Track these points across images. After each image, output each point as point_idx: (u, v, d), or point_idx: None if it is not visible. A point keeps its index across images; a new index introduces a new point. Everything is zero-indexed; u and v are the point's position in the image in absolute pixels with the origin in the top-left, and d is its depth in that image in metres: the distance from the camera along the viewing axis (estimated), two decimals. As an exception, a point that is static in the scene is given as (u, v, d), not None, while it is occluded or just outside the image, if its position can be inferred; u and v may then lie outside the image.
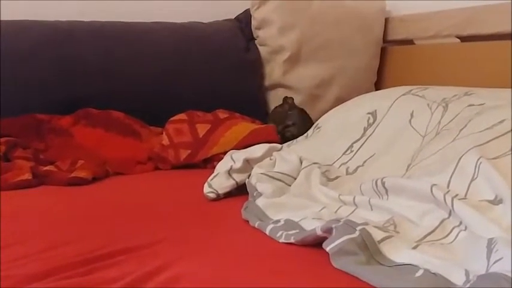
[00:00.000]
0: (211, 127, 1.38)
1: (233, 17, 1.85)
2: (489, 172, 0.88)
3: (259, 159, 1.10)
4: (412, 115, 1.24)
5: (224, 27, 1.77)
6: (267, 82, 1.76)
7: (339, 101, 1.76)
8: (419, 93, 1.32)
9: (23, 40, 1.51)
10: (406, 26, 1.85)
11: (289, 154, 1.10)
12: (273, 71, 1.75)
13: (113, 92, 1.54)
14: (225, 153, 1.34)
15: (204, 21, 1.80)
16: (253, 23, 1.76)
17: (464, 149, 0.95)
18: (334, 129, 1.34)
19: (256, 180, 1.00)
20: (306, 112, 1.63)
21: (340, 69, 1.78)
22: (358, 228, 0.72)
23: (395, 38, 1.89)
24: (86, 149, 1.31)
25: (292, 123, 1.57)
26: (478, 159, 0.90)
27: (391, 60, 1.91)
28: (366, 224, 0.74)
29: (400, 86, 1.82)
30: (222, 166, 1.10)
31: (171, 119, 1.44)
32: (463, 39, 1.68)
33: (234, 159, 1.11)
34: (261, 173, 1.02)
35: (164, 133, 1.41)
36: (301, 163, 1.08)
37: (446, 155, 0.99)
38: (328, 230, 0.74)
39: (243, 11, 1.83)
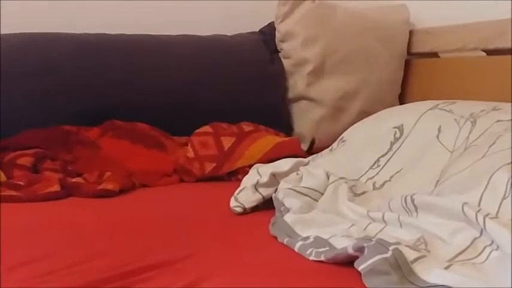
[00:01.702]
0: (236, 140, 1.39)
1: (257, 30, 1.86)
2: (521, 191, 0.87)
3: (286, 174, 1.10)
4: (439, 130, 1.23)
5: (248, 40, 1.78)
6: (291, 94, 1.76)
7: (363, 113, 1.76)
8: (447, 108, 1.31)
9: (50, 52, 1.53)
10: (431, 39, 1.85)
11: (316, 169, 1.10)
12: (297, 84, 1.75)
13: (137, 104, 1.56)
14: (249, 166, 1.36)
15: (229, 34, 1.81)
16: (277, 35, 1.76)
17: (494, 166, 0.94)
18: (359, 143, 1.33)
19: (283, 195, 1.00)
20: None
21: (364, 82, 1.77)
22: (391, 247, 0.72)
23: (419, 50, 1.89)
24: (112, 161, 1.33)
25: None
26: (509, 178, 0.89)
27: (415, 73, 1.91)
28: (399, 243, 0.74)
29: (424, 99, 1.83)
30: (248, 180, 1.10)
31: (196, 131, 1.45)
32: (489, 52, 1.67)
33: (261, 173, 1.11)
34: (288, 188, 1.02)
35: (189, 145, 1.42)
36: (328, 178, 1.08)
37: (476, 172, 0.98)
38: (360, 249, 0.74)
39: (267, 23, 1.84)
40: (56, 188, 1.19)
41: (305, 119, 1.74)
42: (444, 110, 1.31)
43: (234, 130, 1.43)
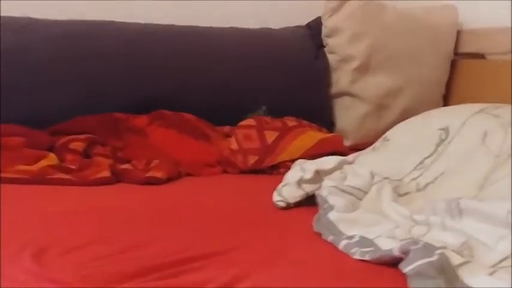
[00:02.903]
0: (279, 134, 1.41)
1: (304, 24, 1.86)
2: None
3: (330, 172, 1.12)
4: (485, 134, 1.23)
5: (295, 34, 1.79)
6: (334, 90, 1.77)
7: (406, 112, 1.76)
8: (493, 112, 1.30)
9: (101, 40, 1.57)
10: (478, 40, 1.83)
11: (360, 168, 1.12)
12: (340, 79, 1.76)
13: (184, 94, 1.59)
14: (292, 161, 1.38)
15: (275, 27, 1.83)
16: (324, 30, 1.77)
17: (541, 175, 0.94)
18: (404, 143, 1.33)
19: (328, 193, 1.02)
20: None
21: (409, 80, 1.77)
22: (437, 252, 0.73)
23: (466, 51, 1.87)
24: (160, 150, 1.36)
25: None
26: (556, 188, 0.90)
27: (460, 74, 1.89)
28: (444, 247, 0.75)
29: (469, 100, 1.81)
30: (291, 176, 1.12)
31: (240, 123, 1.48)
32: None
33: (305, 169, 1.13)
34: (332, 186, 1.04)
35: (233, 137, 1.44)
36: (373, 178, 1.09)
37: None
38: (406, 252, 0.75)
39: (313, 17, 1.85)
40: (106, 173, 1.23)
41: (348, 115, 1.75)
42: (490, 114, 1.31)
43: (278, 124, 1.45)
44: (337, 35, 1.75)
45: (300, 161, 1.21)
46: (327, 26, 1.76)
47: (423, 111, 1.79)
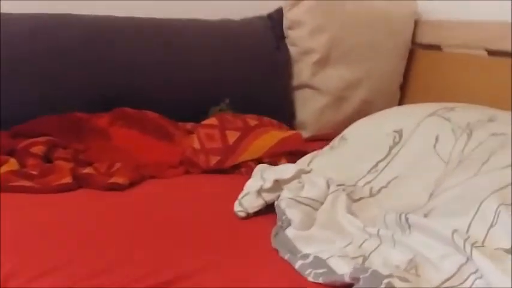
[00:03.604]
0: (241, 134, 1.44)
1: (265, 14, 1.87)
2: (507, 221, 0.94)
3: (289, 181, 1.16)
4: (436, 139, 1.28)
5: (256, 25, 1.80)
6: (295, 82, 1.80)
7: (364, 103, 1.81)
8: (445, 115, 1.35)
9: (58, 36, 1.55)
10: (436, 31, 1.88)
11: (317, 177, 1.16)
12: (302, 72, 1.79)
13: (144, 89, 1.60)
14: (253, 160, 1.43)
15: (236, 18, 1.83)
16: (285, 22, 1.79)
17: (485, 192, 1.00)
18: (360, 144, 1.38)
19: (286, 205, 1.06)
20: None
21: (368, 72, 1.81)
22: (385, 281, 0.79)
23: (423, 41, 1.92)
24: (122, 152, 1.38)
25: None
26: (498, 207, 0.95)
27: (418, 64, 1.94)
28: (391, 275, 0.81)
29: (425, 90, 1.89)
30: (252, 185, 1.16)
31: (203, 122, 1.50)
32: (491, 53, 1.70)
33: (265, 178, 1.17)
34: (290, 198, 1.08)
35: (196, 136, 1.47)
36: (329, 187, 1.14)
37: (467, 195, 1.04)
38: (356, 279, 0.81)
39: (275, 8, 1.86)
40: (68, 179, 1.24)
41: (308, 107, 1.79)
42: (443, 117, 1.36)
43: (239, 124, 1.47)
44: (298, 27, 1.77)
45: (260, 167, 1.24)
46: (288, 17, 1.78)
47: (381, 102, 1.86)
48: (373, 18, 1.82)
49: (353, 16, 1.78)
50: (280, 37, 1.80)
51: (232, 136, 1.44)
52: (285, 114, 1.76)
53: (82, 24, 1.60)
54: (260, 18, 1.84)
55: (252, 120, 1.51)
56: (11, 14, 1.58)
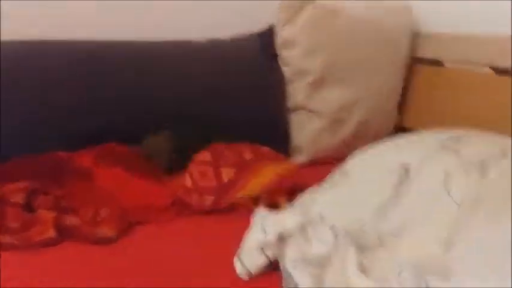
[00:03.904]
0: (236, 171, 1.34)
1: (253, 31, 1.76)
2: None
3: (292, 231, 1.07)
4: (446, 177, 1.20)
5: (246, 45, 1.70)
6: (289, 104, 1.70)
7: (361, 125, 1.72)
8: (454, 147, 1.27)
9: (40, 64, 1.44)
10: (436, 45, 1.78)
11: (324, 228, 1.07)
12: (296, 93, 1.69)
13: (129, 123, 1.49)
14: (250, 197, 1.34)
15: (224, 37, 1.73)
16: (278, 41, 1.69)
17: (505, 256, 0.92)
18: (363, 180, 1.29)
19: (292, 267, 0.98)
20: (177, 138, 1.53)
21: (365, 91, 1.72)
22: None
23: (422, 56, 1.82)
24: (107, 196, 1.27)
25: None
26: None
27: (416, 80, 1.85)
28: None
29: (424, 108, 1.79)
30: (253, 238, 1.07)
31: (195, 158, 1.40)
32: (496, 69, 1.62)
33: (266, 230, 1.08)
34: (297, 258, 1.00)
35: (187, 174, 1.37)
36: (336, 237, 1.05)
37: (492, 247, 0.96)
38: None
39: (261, 22, 1.75)
40: (52, 233, 1.14)
41: (304, 131, 1.70)
42: (451, 149, 1.28)
43: (234, 159, 1.37)
44: (292, 47, 1.67)
45: (260, 214, 1.15)
46: (281, 36, 1.68)
47: (378, 123, 1.78)
48: (368, 33, 1.72)
49: (347, 32, 1.68)
50: (273, 56, 1.71)
51: (227, 173, 1.35)
52: (279, 138, 1.67)
53: (63, 52, 1.49)
54: (250, 36, 1.75)
55: (247, 153, 1.42)
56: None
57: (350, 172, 1.37)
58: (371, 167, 1.36)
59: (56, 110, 1.43)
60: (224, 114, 1.61)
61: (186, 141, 1.49)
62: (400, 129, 1.86)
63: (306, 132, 1.69)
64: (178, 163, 1.42)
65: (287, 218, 1.11)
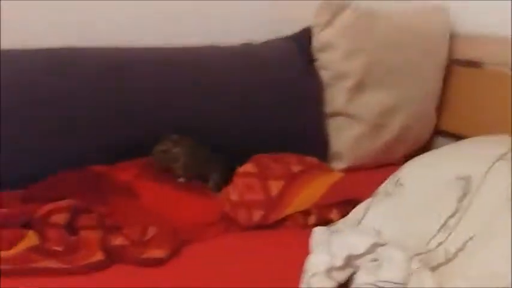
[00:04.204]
0: (285, 184, 1.27)
1: (286, 35, 1.68)
2: None
3: (362, 255, 1.01)
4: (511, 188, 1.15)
5: (282, 49, 1.63)
6: (328, 109, 1.63)
7: (403, 129, 1.66)
8: (515, 157, 1.22)
9: (67, 73, 1.36)
10: (474, 46, 1.72)
11: (395, 251, 1.01)
12: (335, 98, 1.62)
13: (168, 131, 1.39)
14: (300, 212, 1.28)
15: (257, 40, 1.65)
16: (315, 44, 1.62)
17: None
18: (420, 192, 1.22)
19: (367, 295, 0.91)
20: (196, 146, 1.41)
21: (406, 95, 1.66)
22: None
23: (460, 57, 1.75)
24: (153, 211, 1.20)
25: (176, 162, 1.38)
26: None
27: (454, 82, 1.78)
28: None
29: (462, 110, 1.73)
30: (319, 261, 1.00)
31: (239, 170, 1.33)
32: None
33: (333, 252, 1.01)
34: (370, 284, 0.93)
35: (232, 187, 1.30)
36: (410, 261, 0.99)
37: None
38: None
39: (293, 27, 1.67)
40: (99, 256, 1.06)
41: (343, 136, 1.63)
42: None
43: (282, 171, 1.31)
44: (331, 50, 1.60)
45: (322, 234, 1.08)
46: (318, 40, 1.61)
47: (419, 127, 1.71)
48: (407, 35, 1.65)
49: (388, 35, 1.62)
50: (309, 61, 1.63)
51: (275, 186, 1.28)
52: (318, 144, 1.60)
53: (93, 60, 1.40)
54: (285, 40, 1.66)
55: (293, 164, 1.34)
56: (9, 50, 1.38)
57: (405, 183, 1.30)
58: (427, 178, 1.29)
59: (85, 121, 1.36)
60: (260, 121, 1.53)
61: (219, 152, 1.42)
62: (437, 132, 1.80)
63: (346, 138, 1.62)
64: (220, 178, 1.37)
65: (357, 241, 1.04)
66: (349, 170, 1.60)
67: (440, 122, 1.80)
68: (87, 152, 1.33)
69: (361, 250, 1.01)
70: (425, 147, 1.79)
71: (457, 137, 1.80)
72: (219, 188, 1.37)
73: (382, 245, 1.04)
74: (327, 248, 1.04)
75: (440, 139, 1.80)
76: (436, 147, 1.87)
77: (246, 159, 1.42)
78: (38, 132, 1.31)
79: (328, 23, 1.58)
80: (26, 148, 1.29)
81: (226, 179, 1.36)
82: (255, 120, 1.54)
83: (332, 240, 1.06)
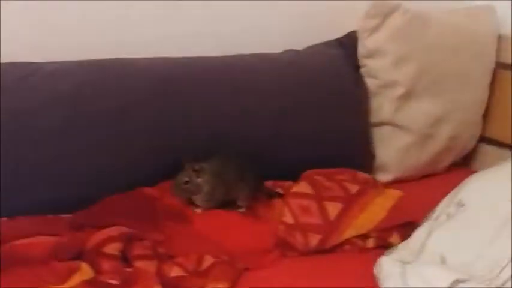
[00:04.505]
0: (343, 207, 1.21)
1: (329, 39, 1.59)
2: None
3: (444, 291, 0.96)
4: None
5: (327, 55, 1.54)
6: (373, 119, 1.56)
7: (451, 139, 1.59)
8: None
9: (116, 87, 1.29)
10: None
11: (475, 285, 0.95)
12: (382, 108, 1.55)
13: (209, 146, 1.33)
14: (358, 237, 1.22)
15: (298, 46, 1.56)
16: (361, 50, 1.54)
17: None
18: (485, 215, 1.16)
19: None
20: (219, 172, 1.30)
21: (455, 103, 1.58)
22: None
23: (505, 60, 1.67)
24: (209, 239, 1.14)
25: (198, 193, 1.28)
26: None
27: (500, 87, 1.71)
28: None
29: (508, 116, 1.66)
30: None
31: (293, 190, 1.27)
32: None
33: (409, 283, 0.96)
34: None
35: (286, 209, 1.24)
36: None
37: None
38: None
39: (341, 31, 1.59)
40: (158, 290, 1.02)
41: (389, 147, 1.56)
42: None
43: (339, 193, 1.25)
44: (379, 57, 1.52)
45: (392, 265, 1.03)
46: (366, 45, 1.52)
47: (466, 137, 1.64)
48: (457, 39, 1.57)
49: (438, 39, 1.54)
50: (355, 67, 1.55)
51: (333, 208, 1.21)
52: (363, 156, 1.53)
53: (143, 71, 1.33)
54: (329, 45, 1.58)
55: (348, 182, 1.28)
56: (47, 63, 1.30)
57: (468, 204, 1.24)
58: (493, 198, 1.23)
59: (133, 138, 1.28)
60: (304, 132, 1.45)
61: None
62: (481, 139, 1.74)
63: (392, 149, 1.55)
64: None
65: (438, 276, 0.99)
66: (395, 183, 1.54)
67: (484, 128, 1.74)
68: (134, 171, 1.26)
69: (443, 285, 0.96)
70: (469, 155, 1.74)
71: (501, 144, 1.76)
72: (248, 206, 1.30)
73: (464, 281, 0.99)
74: (401, 282, 1.00)
75: (484, 146, 1.74)
76: (480, 155, 1.84)
77: (289, 170, 1.36)
78: (80, 152, 1.24)
79: (377, 27, 1.49)
80: (70, 168, 1.22)
81: (256, 193, 1.30)
82: (298, 131, 1.46)
83: (407, 274, 1.01)
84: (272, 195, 1.34)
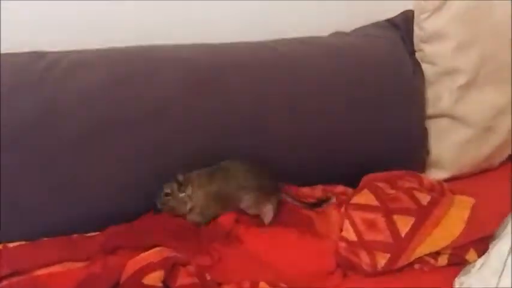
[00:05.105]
0: (415, 222, 1.04)
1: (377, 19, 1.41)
2: None
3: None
4: None
5: (380, 38, 1.35)
6: (429, 110, 1.38)
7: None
8: None
9: (151, 85, 1.10)
10: None
11: None
12: (440, 98, 1.37)
13: (265, 146, 1.17)
14: (430, 255, 1.06)
15: (343, 27, 1.39)
16: (419, 33, 1.35)
17: None
18: None
19: None
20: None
21: (516, 93, 1.42)
22: None
23: None
24: (263, 263, 0.97)
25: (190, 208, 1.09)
26: None
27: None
28: None
29: None
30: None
31: (354, 200, 1.10)
32: None
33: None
34: None
35: (347, 223, 1.08)
36: None
37: None
38: None
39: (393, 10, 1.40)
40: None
41: (446, 141, 1.39)
42: None
43: (408, 204, 1.07)
44: (440, 41, 1.33)
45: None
46: (424, 28, 1.34)
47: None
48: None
49: (503, 25, 1.35)
50: (410, 52, 1.37)
51: (403, 223, 1.05)
52: (417, 151, 1.36)
53: (180, 68, 1.14)
54: (380, 27, 1.39)
55: (418, 191, 1.11)
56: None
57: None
58: None
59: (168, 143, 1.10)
60: (356, 124, 1.29)
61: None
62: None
63: (449, 143, 1.38)
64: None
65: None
66: (451, 180, 1.39)
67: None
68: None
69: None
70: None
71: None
72: (254, 208, 1.11)
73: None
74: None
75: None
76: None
77: (337, 166, 1.23)
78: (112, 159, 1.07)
79: (439, 8, 1.31)
80: (102, 178, 1.05)
81: (264, 194, 1.10)
82: (352, 123, 1.29)
83: None
84: (322, 202, 1.16)
